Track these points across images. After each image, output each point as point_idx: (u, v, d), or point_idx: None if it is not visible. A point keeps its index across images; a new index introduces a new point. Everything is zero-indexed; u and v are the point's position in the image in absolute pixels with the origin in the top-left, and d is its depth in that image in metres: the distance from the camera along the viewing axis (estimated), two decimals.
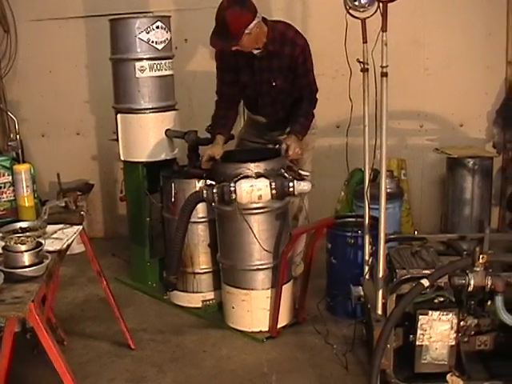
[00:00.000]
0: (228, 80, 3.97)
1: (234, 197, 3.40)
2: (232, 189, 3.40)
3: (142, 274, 4.51)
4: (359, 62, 3.20)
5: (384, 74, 2.89)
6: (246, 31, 3.54)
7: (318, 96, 4.03)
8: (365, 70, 3.22)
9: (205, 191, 3.47)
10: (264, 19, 3.72)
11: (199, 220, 3.99)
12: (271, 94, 3.94)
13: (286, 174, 3.46)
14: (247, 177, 3.42)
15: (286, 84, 3.90)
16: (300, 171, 3.57)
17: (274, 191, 3.37)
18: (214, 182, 3.52)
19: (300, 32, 3.86)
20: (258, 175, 3.43)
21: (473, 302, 2.95)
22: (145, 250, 4.45)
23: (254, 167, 3.50)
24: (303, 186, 3.37)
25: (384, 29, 2.85)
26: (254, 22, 3.55)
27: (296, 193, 3.37)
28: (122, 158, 4.39)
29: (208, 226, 3.99)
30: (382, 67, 2.89)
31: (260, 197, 3.38)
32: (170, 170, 4.16)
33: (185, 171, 4.06)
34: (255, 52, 3.75)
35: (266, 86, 3.90)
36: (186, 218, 3.59)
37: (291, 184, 3.37)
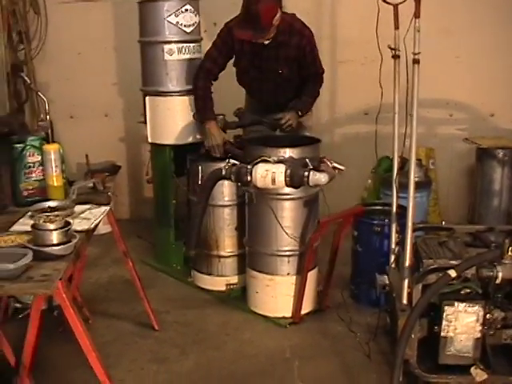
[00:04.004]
0: (220, 63, 4.01)
1: (249, 179, 3.43)
2: (248, 170, 3.43)
3: (166, 256, 4.54)
4: (391, 48, 3.17)
5: (416, 61, 2.85)
6: (274, 22, 3.63)
7: (324, 77, 4.11)
8: (396, 57, 3.19)
9: (224, 170, 3.52)
10: None
11: (225, 203, 4.02)
12: (276, 81, 4.00)
13: (309, 163, 3.43)
14: (266, 161, 3.43)
15: (291, 72, 3.96)
16: (335, 164, 3.54)
17: (287, 178, 3.37)
18: (237, 162, 3.55)
19: (305, 24, 3.91)
20: (278, 161, 3.43)
21: (500, 295, 2.92)
22: (170, 232, 4.47)
23: (280, 153, 3.50)
24: (319, 178, 3.34)
25: (417, 15, 2.81)
26: (279, 13, 3.64)
27: (311, 184, 3.35)
28: (150, 141, 4.41)
29: (235, 209, 4.02)
30: (413, 54, 2.85)
31: (274, 182, 3.38)
32: (197, 154, 4.17)
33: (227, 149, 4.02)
34: (266, 42, 3.78)
35: (271, 74, 3.96)
36: (206, 194, 3.65)
37: (306, 174, 3.34)
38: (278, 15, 3.63)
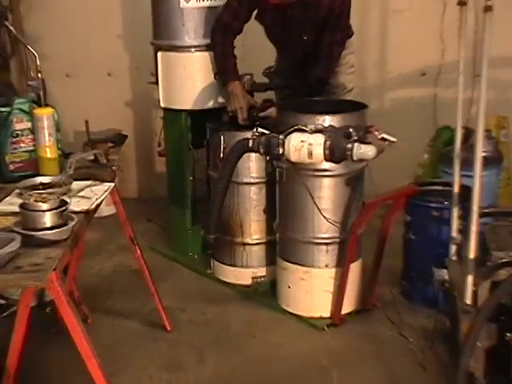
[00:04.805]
0: (241, 16, 4.03)
1: (280, 151, 3.40)
2: (280, 141, 3.39)
3: (181, 244, 4.57)
4: None
5: (488, 9, 2.77)
6: None
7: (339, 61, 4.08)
8: (462, 4, 3.12)
9: (251, 140, 3.50)
10: None
11: (252, 181, 4.03)
12: (302, 45, 4.05)
13: (353, 133, 3.37)
14: (302, 130, 3.40)
15: (318, 39, 3.98)
16: (384, 135, 3.47)
17: (327, 151, 3.31)
18: (267, 131, 3.54)
19: None
20: (316, 130, 3.39)
21: None
22: (186, 215, 4.49)
23: (319, 120, 3.47)
24: (364, 151, 3.27)
25: None
26: None
27: (355, 158, 3.29)
28: (162, 105, 4.41)
29: (263, 188, 4.03)
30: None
31: (310, 155, 3.34)
32: (219, 121, 4.16)
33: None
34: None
35: (296, 38, 4.01)
36: (229, 169, 3.62)
37: (349, 146, 3.28)
38: None
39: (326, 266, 3.72)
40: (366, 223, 3.73)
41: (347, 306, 3.75)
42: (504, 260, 2.84)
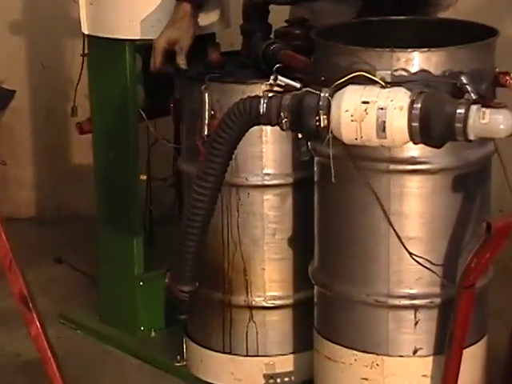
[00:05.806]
0: None
1: (323, 122, 3.35)
2: (322, 103, 3.35)
3: (125, 309, 4.60)
4: None
5: None
6: None
7: None
8: None
9: (263, 102, 3.46)
10: None
11: (266, 183, 4.05)
12: None
13: (468, 88, 3.35)
14: (366, 81, 3.37)
15: None
16: None
17: (415, 123, 3.28)
18: (296, 84, 3.52)
19: None
20: (393, 82, 3.37)
21: None
22: (134, 249, 4.52)
23: (399, 61, 3.43)
24: (492, 124, 3.20)
25: None
26: None
27: (471, 135, 3.23)
28: (86, 32, 4.47)
29: (288, 197, 4.06)
30: None
31: (382, 131, 3.29)
32: (201, 64, 4.18)
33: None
34: None
35: None
36: (220, 161, 3.60)
37: (460, 112, 3.21)
38: None
39: (415, 352, 3.67)
40: (493, 265, 3.69)
41: None
42: None
